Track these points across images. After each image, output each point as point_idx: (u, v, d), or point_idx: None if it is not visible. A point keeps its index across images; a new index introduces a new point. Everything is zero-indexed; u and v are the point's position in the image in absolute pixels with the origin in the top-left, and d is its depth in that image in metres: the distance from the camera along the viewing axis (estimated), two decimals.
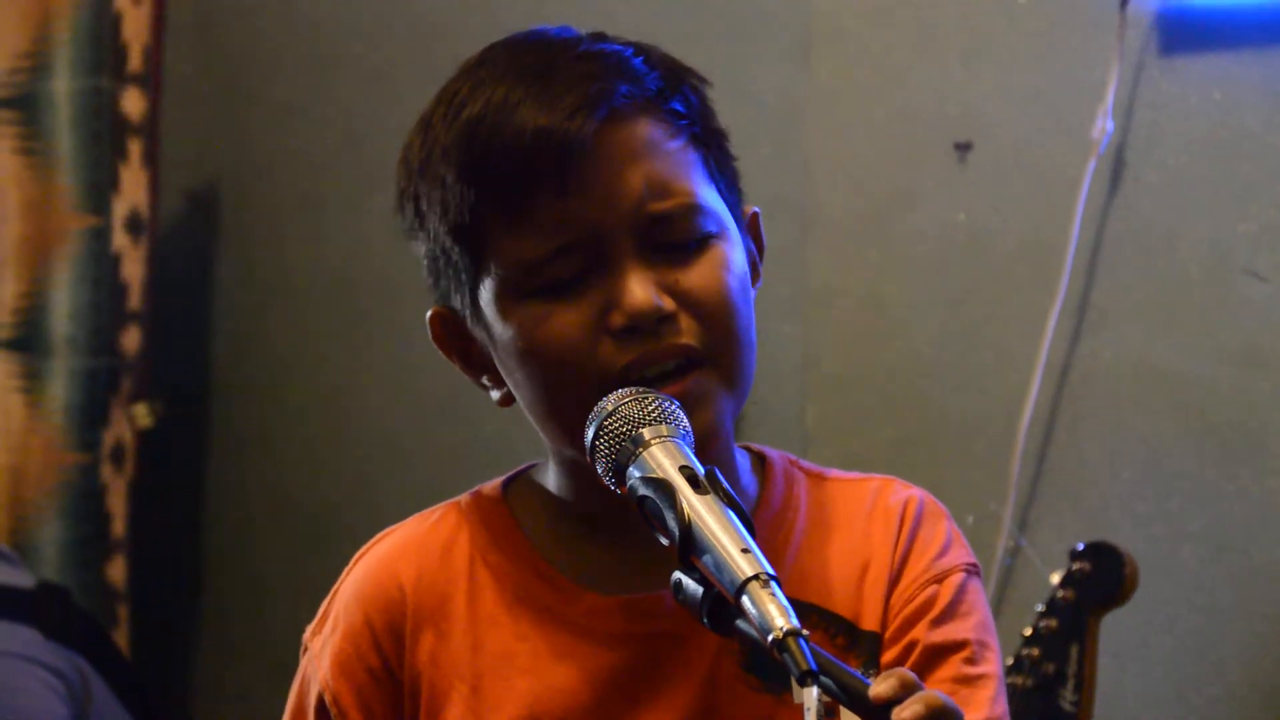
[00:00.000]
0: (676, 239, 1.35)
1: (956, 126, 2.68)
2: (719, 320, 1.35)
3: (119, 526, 3.16)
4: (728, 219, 1.39)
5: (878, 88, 2.75)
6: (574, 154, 1.32)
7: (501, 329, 1.37)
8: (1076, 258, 2.56)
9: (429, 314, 1.43)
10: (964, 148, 2.67)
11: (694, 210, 1.36)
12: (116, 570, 3.15)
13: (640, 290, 1.33)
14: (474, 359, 1.42)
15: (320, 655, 1.41)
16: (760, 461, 1.46)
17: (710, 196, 1.38)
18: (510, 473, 1.47)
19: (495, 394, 1.42)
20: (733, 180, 1.43)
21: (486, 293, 1.37)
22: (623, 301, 1.33)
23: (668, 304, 1.33)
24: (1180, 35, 2.53)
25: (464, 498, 1.45)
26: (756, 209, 1.46)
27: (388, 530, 1.46)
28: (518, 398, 1.39)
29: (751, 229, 1.45)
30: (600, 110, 1.33)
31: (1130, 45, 2.54)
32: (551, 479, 1.43)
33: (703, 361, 1.34)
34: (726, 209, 1.40)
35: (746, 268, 1.40)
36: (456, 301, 1.40)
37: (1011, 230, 2.64)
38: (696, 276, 1.35)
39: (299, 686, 1.43)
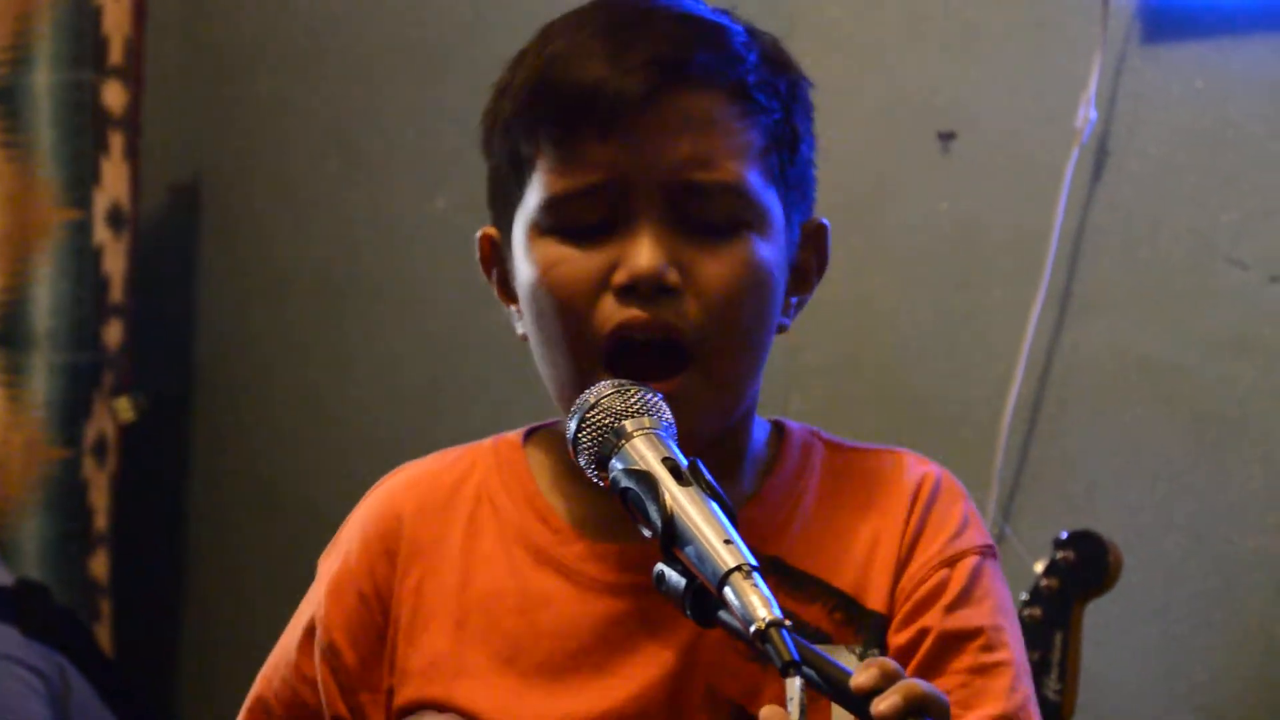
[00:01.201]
0: (709, 217, 1.35)
1: (940, 116, 2.68)
2: (721, 314, 1.34)
3: (101, 521, 3.15)
4: (774, 218, 1.37)
5: (861, 77, 2.75)
6: (625, 106, 1.33)
7: (523, 261, 1.38)
8: (1060, 247, 2.56)
9: (478, 233, 1.45)
10: (947, 137, 2.67)
11: (733, 192, 1.35)
12: (99, 565, 3.15)
13: (649, 253, 1.32)
14: (509, 286, 1.43)
15: (321, 579, 1.44)
16: (779, 432, 1.46)
17: (759, 187, 1.36)
18: (536, 423, 1.48)
19: (519, 328, 1.42)
20: (799, 185, 1.41)
21: (521, 223, 1.38)
22: (629, 259, 1.33)
23: (672, 277, 1.33)
24: (1162, 24, 2.53)
25: (486, 441, 1.47)
26: (825, 222, 1.44)
27: (406, 465, 1.49)
28: (529, 336, 1.40)
29: (816, 240, 1.44)
30: (665, 72, 1.33)
31: (1113, 34, 2.54)
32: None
33: (689, 357, 1.34)
34: (780, 210, 1.38)
35: (779, 272, 1.38)
36: (503, 225, 1.42)
37: (995, 219, 2.64)
38: (714, 263, 1.34)
39: (303, 604, 1.46)
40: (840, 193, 2.75)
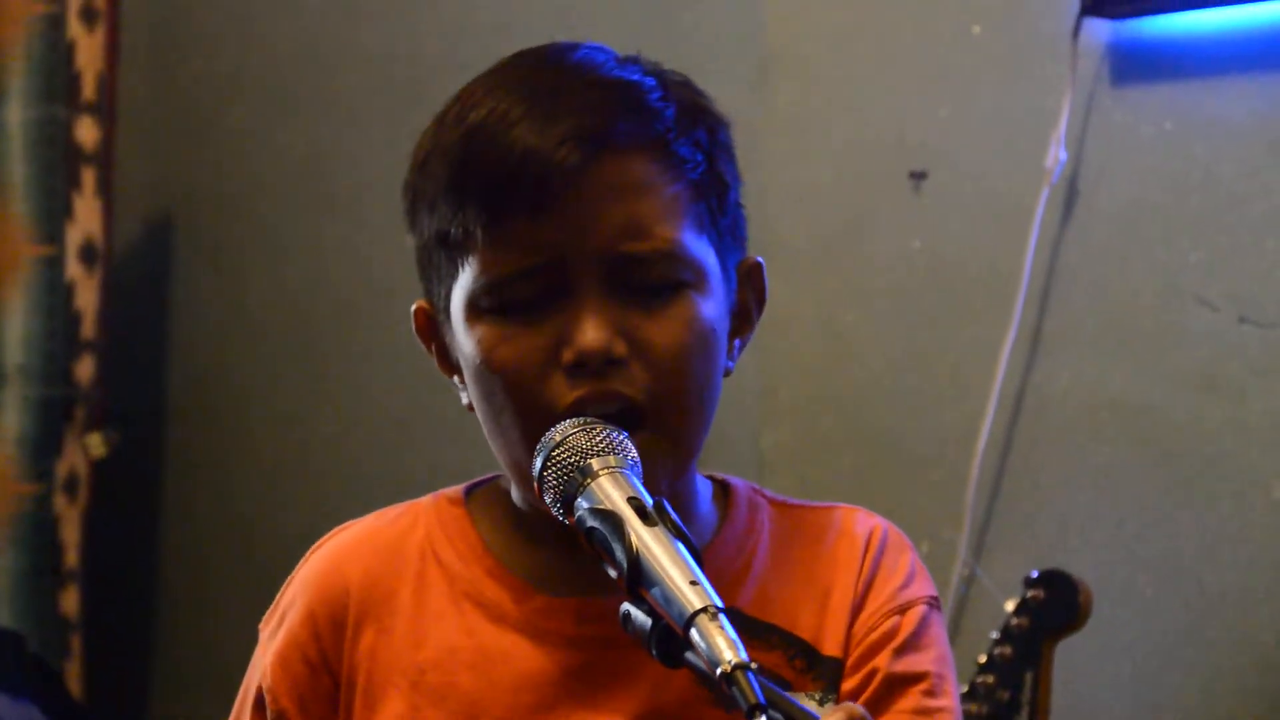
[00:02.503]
0: (647, 282, 1.34)
1: (912, 154, 2.69)
2: (670, 377, 1.34)
3: (72, 557, 3.14)
4: (710, 270, 1.37)
5: (834, 115, 2.76)
6: (554, 181, 1.32)
7: (465, 339, 1.37)
8: (1030, 285, 2.57)
9: (414, 306, 1.44)
10: (919, 176, 2.69)
11: (670, 258, 1.34)
12: (69, 601, 3.14)
13: (593, 330, 1.32)
14: (450, 358, 1.42)
15: (265, 645, 1.42)
16: (724, 490, 1.46)
17: (694, 245, 1.36)
18: (475, 480, 1.47)
19: (464, 397, 1.41)
20: (731, 230, 1.40)
21: (458, 300, 1.37)
22: (574, 338, 1.32)
23: (619, 349, 1.32)
24: (1132, 66, 2.55)
25: (425, 499, 1.46)
26: (760, 260, 1.44)
27: (345, 525, 1.47)
28: (476, 409, 1.40)
29: (752, 279, 1.43)
30: (591, 143, 1.32)
31: (1083, 76, 2.55)
32: (514, 488, 1.43)
33: (643, 419, 1.33)
34: (715, 260, 1.38)
35: (719, 323, 1.37)
36: (437, 299, 1.41)
37: (966, 258, 2.65)
38: (657, 327, 1.34)
39: (249, 672, 1.44)
40: (812, 230, 2.76)
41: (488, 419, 1.37)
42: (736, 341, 1.42)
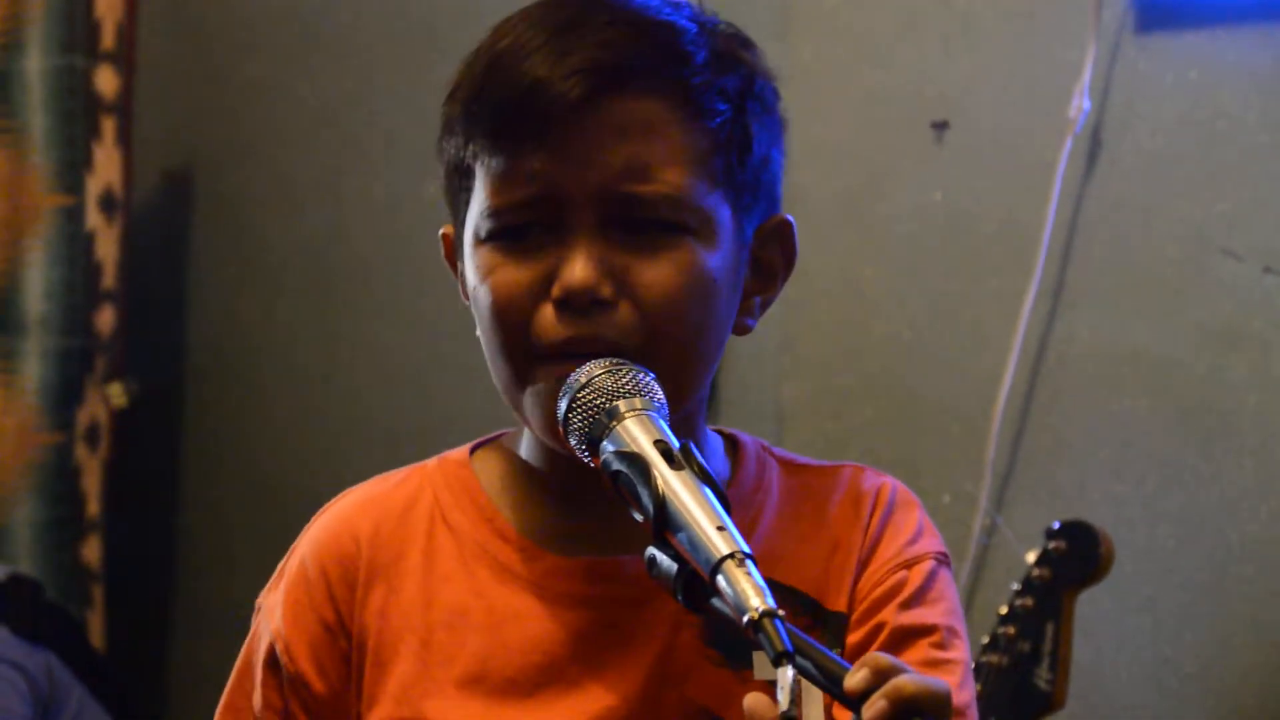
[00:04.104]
0: (645, 223, 1.32)
1: (934, 106, 2.67)
2: (661, 322, 1.32)
3: (93, 507, 3.15)
4: (720, 224, 1.35)
5: (856, 67, 2.75)
6: (558, 114, 1.30)
7: (468, 266, 1.37)
8: (1053, 238, 2.56)
9: (441, 231, 1.44)
10: (941, 127, 2.67)
11: (671, 202, 1.32)
12: (91, 551, 3.14)
13: (581, 268, 1.30)
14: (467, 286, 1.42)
15: (273, 609, 1.40)
16: (733, 445, 1.45)
17: (702, 194, 1.33)
18: (479, 440, 1.46)
19: (478, 328, 1.41)
20: (752, 187, 1.37)
21: (468, 227, 1.37)
22: (563, 272, 1.31)
23: (605, 290, 1.31)
24: (1156, 14, 2.53)
25: (430, 461, 1.45)
26: (789, 218, 1.41)
27: (349, 490, 1.46)
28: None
29: (781, 237, 1.41)
30: (600, 78, 1.30)
31: (1106, 24, 2.54)
32: (524, 443, 1.42)
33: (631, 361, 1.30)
34: (728, 215, 1.35)
35: (723, 277, 1.35)
36: (456, 225, 1.40)
37: (988, 210, 2.64)
38: (651, 270, 1.32)
39: (247, 644, 1.42)
40: (833, 182, 2.75)
41: (485, 346, 1.37)
42: (757, 299, 1.40)
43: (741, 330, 1.40)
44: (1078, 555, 2.25)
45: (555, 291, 1.31)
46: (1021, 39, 2.62)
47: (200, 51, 3.34)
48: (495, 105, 1.33)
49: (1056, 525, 2.28)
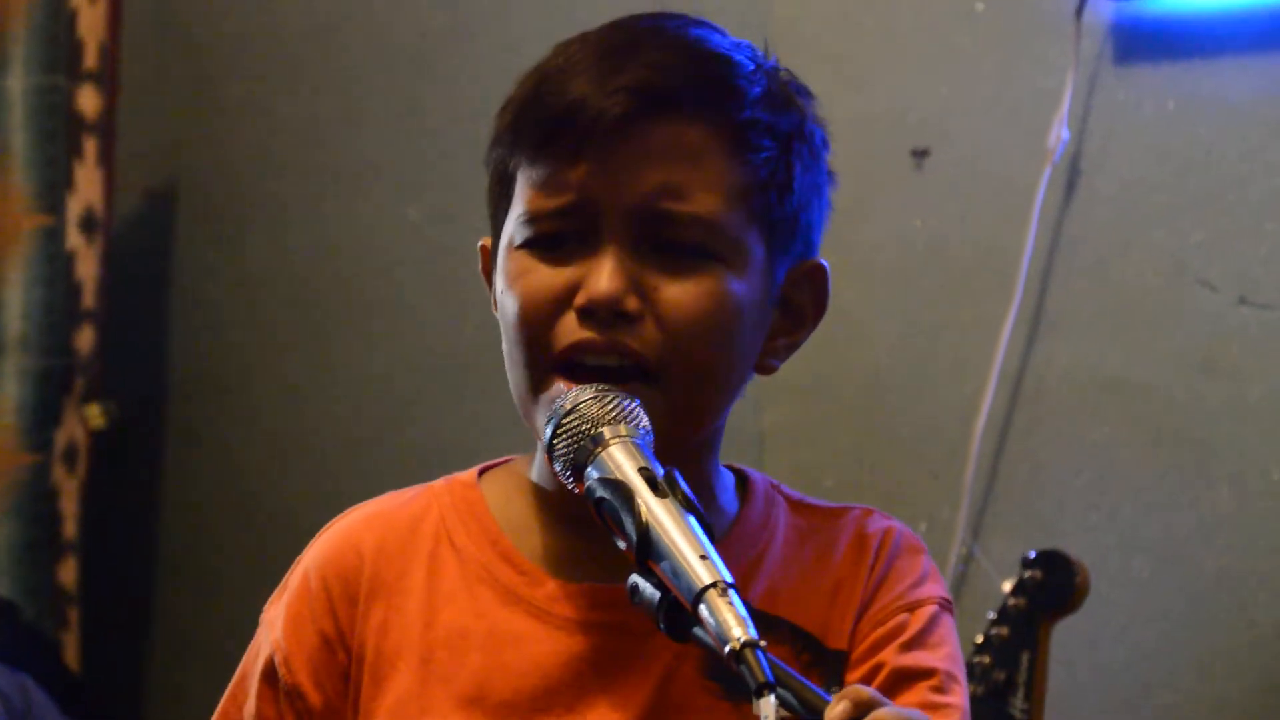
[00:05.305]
0: (677, 244, 1.33)
1: (914, 133, 2.68)
2: (682, 340, 1.32)
3: (70, 528, 3.13)
4: (751, 257, 1.35)
5: (837, 94, 2.75)
6: (600, 129, 1.32)
7: (499, 272, 1.38)
8: (1031, 265, 2.57)
9: (480, 243, 1.45)
10: (921, 154, 2.68)
11: (705, 225, 1.33)
12: (67, 573, 3.13)
13: (608, 278, 1.31)
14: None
15: (274, 621, 1.41)
16: (743, 482, 1.45)
17: (736, 225, 1.34)
18: (488, 463, 1.47)
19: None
20: (789, 229, 1.39)
21: (504, 234, 1.38)
22: (589, 282, 1.32)
23: (630, 303, 1.32)
24: (1135, 45, 2.54)
25: (438, 481, 1.45)
26: (824, 263, 1.42)
27: (358, 505, 1.46)
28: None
29: (812, 281, 1.42)
30: (644, 98, 1.32)
31: (1085, 54, 2.55)
32: (535, 466, 1.42)
33: (649, 376, 1.32)
34: (760, 250, 1.36)
35: (749, 310, 1.35)
36: (494, 235, 1.42)
37: (967, 238, 2.65)
38: (678, 289, 1.33)
39: (248, 654, 1.43)
40: None
41: (506, 353, 1.38)
42: (782, 341, 1.41)
43: (765, 370, 1.40)
44: (1054, 584, 2.26)
45: (579, 299, 1.32)
46: (1002, 68, 2.63)
47: (184, 71, 3.34)
48: (540, 118, 1.35)
49: (1033, 554, 2.28)
